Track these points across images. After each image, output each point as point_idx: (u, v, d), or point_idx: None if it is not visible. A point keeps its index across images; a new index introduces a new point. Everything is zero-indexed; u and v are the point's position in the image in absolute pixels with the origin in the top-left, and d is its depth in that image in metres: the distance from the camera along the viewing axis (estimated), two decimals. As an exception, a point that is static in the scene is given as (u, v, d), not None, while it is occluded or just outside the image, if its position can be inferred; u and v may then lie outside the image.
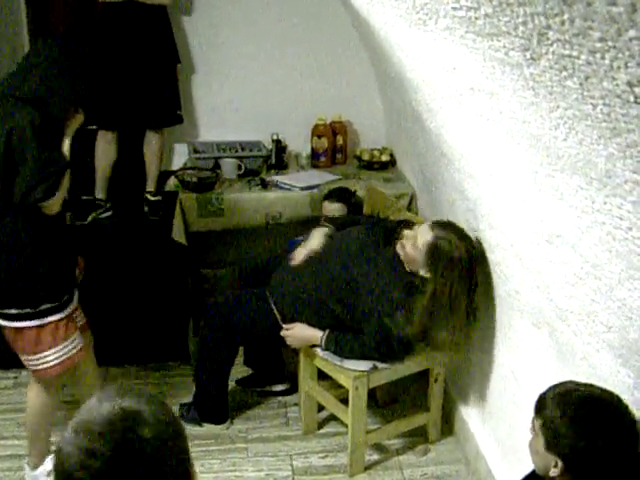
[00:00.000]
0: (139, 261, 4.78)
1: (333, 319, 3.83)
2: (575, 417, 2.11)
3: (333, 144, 5.61)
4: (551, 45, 1.60)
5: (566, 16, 1.43)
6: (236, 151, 5.51)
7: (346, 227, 4.14)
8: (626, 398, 2.22)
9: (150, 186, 5.23)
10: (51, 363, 3.50)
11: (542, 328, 2.98)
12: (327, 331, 3.82)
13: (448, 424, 4.30)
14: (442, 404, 4.17)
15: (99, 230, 4.75)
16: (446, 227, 3.64)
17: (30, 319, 3.38)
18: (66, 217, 3.62)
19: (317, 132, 5.56)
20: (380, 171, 5.49)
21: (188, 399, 4.33)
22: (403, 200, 4.97)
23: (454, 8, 2.08)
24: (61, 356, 3.50)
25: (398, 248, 3.73)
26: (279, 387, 4.60)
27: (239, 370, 4.58)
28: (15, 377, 4.80)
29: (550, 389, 2.25)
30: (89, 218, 4.78)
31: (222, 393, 4.25)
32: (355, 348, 3.74)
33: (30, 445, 3.78)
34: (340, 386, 3.94)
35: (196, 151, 5.53)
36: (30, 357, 3.50)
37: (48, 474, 3.62)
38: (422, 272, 3.59)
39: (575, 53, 1.52)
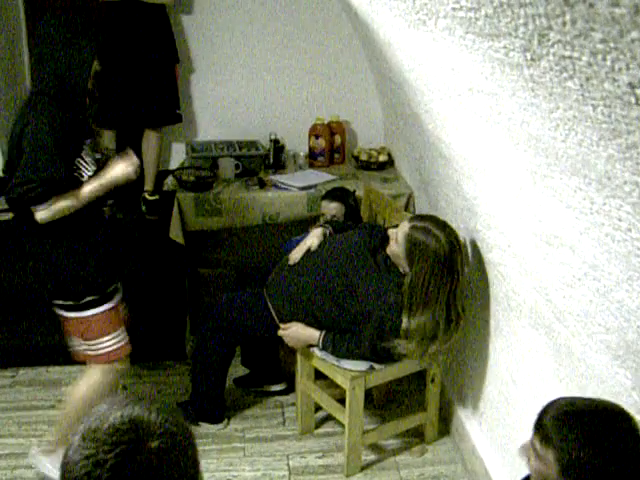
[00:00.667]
0: (136, 260, 4.77)
1: (330, 320, 3.82)
2: (589, 439, 2.01)
3: (331, 144, 5.62)
4: (552, 46, 1.60)
5: (568, 17, 1.43)
6: (234, 150, 5.50)
7: (344, 231, 4.14)
8: (624, 399, 2.22)
9: (148, 185, 5.24)
10: (101, 351, 3.57)
11: (540, 329, 2.98)
12: (324, 331, 3.82)
13: (445, 424, 4.30)
14: (439, 404, 4.16)
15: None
16: (424, 219, 3.66)
17: (75, 310, 3.48)
18: (105, 211, 3.64)
19: (315, 132, 5.56)
20: (378, 171, 5.49)
21: (185, 398, 4.33)
22: (401, 200, 4.98)
23: (454, 9, 2.07)
24: (118, 341, 3.60)
25: (387, 250, 3.74)
26: (276, 387, 4.60)
27: (236, 370, 4.58)
28: (12, 376, 4.78)
29: (546, 412, 2.13)
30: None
31: (219, 393, 4.25)
32: (352, 349, 3.74)
33: (60, 431, 3.74)
34: (337, 386, 3.94)
35: (194, 150, 5.53)
36: (87, 343, 3.59)
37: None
38: (406, 268, 3.60)
39: (576, 54, 1.52)
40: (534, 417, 2.19)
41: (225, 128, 5.78)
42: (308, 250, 4.02)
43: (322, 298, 3.82)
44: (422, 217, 3.73)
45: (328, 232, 4.14)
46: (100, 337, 3.53)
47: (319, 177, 5.30)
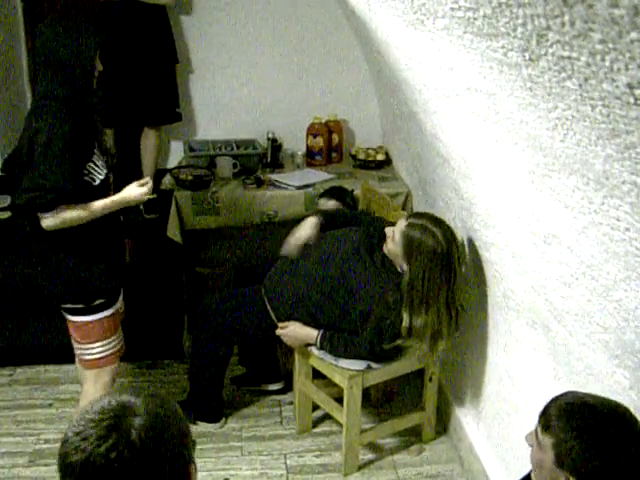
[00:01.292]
0: (134, 259, 4.77)
1: (328, 319, 3.82)
2: (589, 435, 2.05)
3: (329, 143, 5.62)
4: (550, 46, 1.60)
5: (566, 18, 1.43)
6: (232, 149, 5.51)
7: (336, 221, 4.13)
8: (621, 399, 2.21)
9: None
10: (96, 355, 3.57)
11: (537, 328, 2.98)
12: (322, 330, 3.81)
13: (442, 423, 4.30)
14: (436, 404, 4.17)
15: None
16: (421, 216, 3.67)
17: (84, 314, 3.47)
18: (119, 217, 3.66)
19: (313, 131, 5.57)
20: (375, 170, 5.49)
21: (183, 397, 4.32)
22: (398, 199, 4.98)
23: (452, 9, 2.07)
24: (107, 350, 3.59)
25: (384, 248, 3.74)
26: (274, 386, 4.59)
27: (234, 369, 4.58)
28: (10, 374, 4.78)
29: (554, 402, 2.19)
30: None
31: (217, 392, 4.25)
32: (349, 348, 3.74)
33: None
34: (335, 385, 3.93)
35: (192, 149, 5.53)
36: (77, 346, 3.59)
37: None
38: (404, 266, 3.60)
39: (575, 54, 1.52)
40: (532, 416, 2.21)
41: (223, 127, 5.79)
42: (306, 245, 4.01)
43: (320, 297, 3.81)
44: (418, 215, 3.74)
45: (319, 221, 4.10)
46: (92, 342, 3.53)
47: (317, 176, 5.30)
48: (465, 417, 4.04)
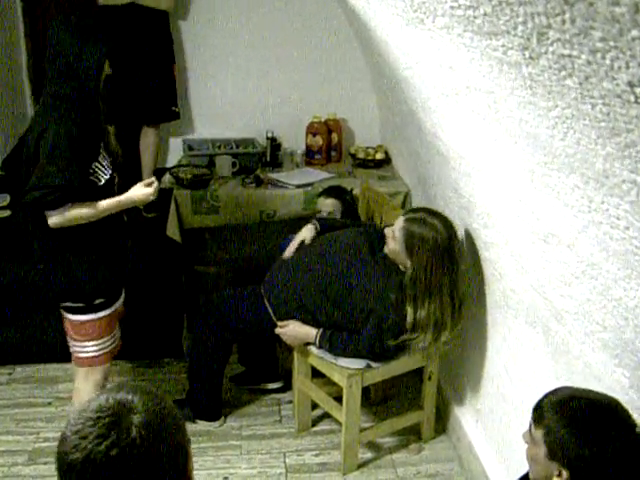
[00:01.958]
0: (134, 258, 4.77)
1: (327, 318, 3.82)
2: (579, 425, 2.08)
3: (328, 142, 5.63)
4: (551, 45, 1.60)
5: (567, 16, 1.43)
6: (231, 148, 5.51)
7: (335, 227, 4.14)
8: (621, 398, 2.21)
9: (145, 183, 5.23)
10: (90, 354, 3.58)
11: (537, 327, 2.98)
12: (321, 329, 3.81)
13: (442, 422, 4.30)
14: (436, 402, 4.16)
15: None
16: (418, 210, 3.72)
17: (83, 313, 3.48)
18: (123, 217, 3.68)
19: (312, 130, 5.57)
20: (375, 169, 5.50)
21: (182, 396, 4.32)
22: (397, 198, 4.98)
23: (452, 7, 2.07)
24: (101, 349, 3.59)
25: (385, 249, 3.74)
26: (273, 385, 4.59)
27: (233, 367, 4.58)
28: (9, 373, 4.78)
29: (547, 396, 2.22)
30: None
31: (216, 390, 4.25)
32: (349, 347, 3.74)
33: None
34: (334, 384, 3.93)
35: (191, 148, 5.55)
36: (72, 343, 3.60)
37: None
38: (407, 262, 3.60)
39: (575, 53, 1.52)
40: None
41: (222, 126, 5.79)
42: (302, 245, 4.02)
43: (319, 296, 3.81)
44: (415, 210, 3.78)
45: (318, 227, 4.14)
46: (87, 341, 3.54)
47: (316, 175, 5.31)
48: (464, 416, 4.04)
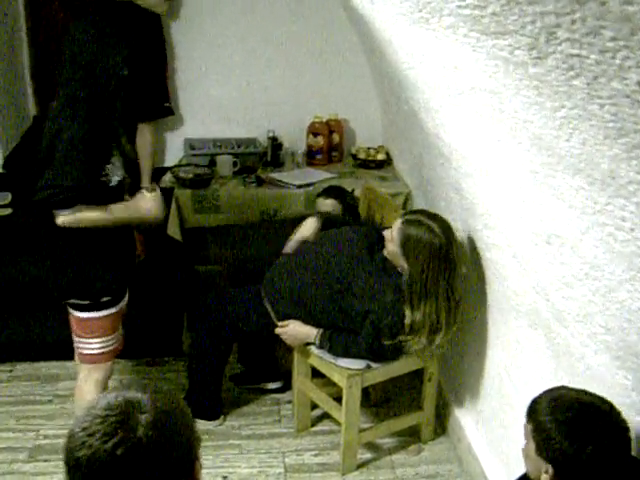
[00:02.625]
0: (147, 256, 4.79)
1: (327, 319, 3.81)
2: (565, 422, 2.11)
3: (329, 142, 5.62)
4: (559, 44, 1.60)
5: (578, 15, 1.42)
6: (232, 148, 5.51)
7: (336, 225, 4.14)
8: (623, 400, 2.22)
9: (145, 182, 5.24)
10: (95, 351, 3.57)
11: (538, 329, 2.97)
12: (322, 329, 3.81)
13: (441, 424, 4.30)
14: (435, 404, 4.16)
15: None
16: (416, 212, 3.72)
17: (89, 310, 3.47)
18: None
19: (313, 130, 5.57)
20: (376, 170, 5.50)
21: (181, 395, 4.31)
22: (398, 199, 4.97)
23: (459, 6, 2.07)
24: (105, 347, 3.59)
25: (384, 251, 3.74)
26: (273, 385, 4.59)
27: (233, 367, 4.58)
28: (10, 370, 4.78)
29: (542, 394, 2.25)
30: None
31: (215, 389, 4.25)
32: (349, 347, 3.74)
33: None
34: (334, 384, 3.92)
35: (192, 147, 5.55)
36: (76, 339, 3.59)
37: None
38: (404, 264, 3.60)
39: (584, 52, 1.52)
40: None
41: (223, 125, 5.78)
42: (304, 242, 4.02)
43: (319, 297, 3.81)
44: (413, 212, 3.80)
45: (319, 222, 4.13)
46: (92, 338, 3.54)
47: (317, 175, 5.31)
48: (464, 418, 4.04)
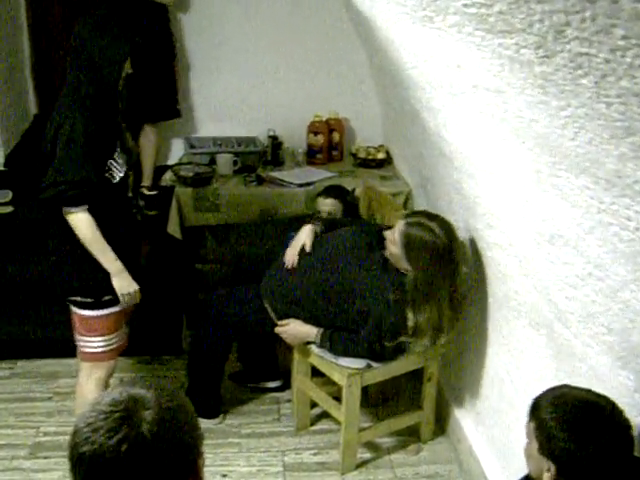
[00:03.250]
0: (150, 261, 4.79)
1: (327, 318, 3.81)
2: (568, 421, 2.11)
3: (329, 141, 5.62)
4: (568, 43, 1.59)
5: (588, 13, 1.42)
6: (232, 147, 5.51)
7: (336, 226, 4.14)
8: (626, 401, 2.22)
9: (146, 181, 5.25)
10: (97, 349, 3.57)
11: (540, 329, 2.97)
12: (322, 328, 3.81)
13: (441, 424, 4.29)
14: (435, 403, 4.16)
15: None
16: (417, 214, 3.72)
17: (91, 308, 3.47)
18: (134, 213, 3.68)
19: (313, 129, 5.57)
20: (376, 169, 5.50)
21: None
22: (399, 198, 4.97)
23: (465, 5, 2.06)
24: (107, 345, 3.58)
25: (385, 252, 3.73)
26: (272, 383, 4.59)
27: (232, 365, 4.57)
28: (11, 367, 4.79)
29: (545, 393, 2.24)
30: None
31: (215, 388, 4.25)
32: (349, 346, 3.74)
33: None
34: (334, 383, 3.92)
35: (192, 146, 5.55)
36: (78, 337, 3.59)
37: None
38: (407, 266, 3.59)
39: (594, 51, 1.51)
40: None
41: (223, 124, 5.79)
42: (303, 249, 4.01)
43: (319, 296, 3.81)
44: (415, 213, 3.79)
45: (319, 229, 4.12)
46: (94, 336, 3.54)
47: (317, 174, 5.31)
48: (464, 418, 4.03)
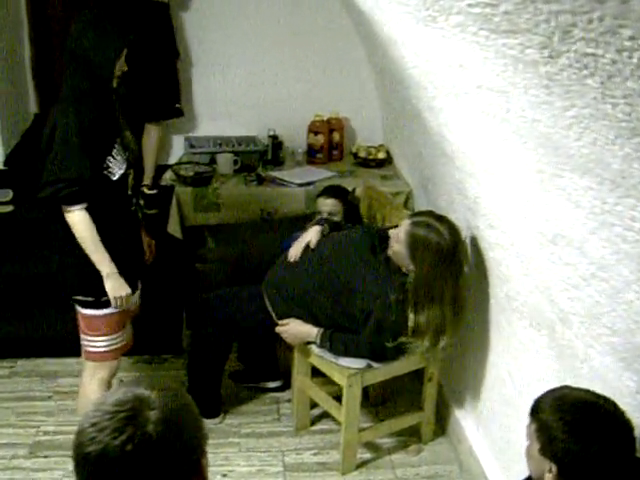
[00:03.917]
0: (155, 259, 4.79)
1: (328, 318, 3.81)
2: (569, 421, 2.11)
3: (329, 141, 5.62)
4: (574, 43, 1.59)
5: (596, 14, 1.41)
6: (232, 146, 5.50)
7: (340, 230, 4.14)
8: (628, 402, 2.21)
9: (146, 180, 5.24)
10: (100, 349, 3.58)
11: (541, 330, 2.96)
12: (322, 328, 3.80)
13: (441, 424, 4.29)
14: (436, 404, 4.16)
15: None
16: (423, 214, 3.70)
17: (93, 307, 3.48)
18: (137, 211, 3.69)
19: (313, 128, 5.57)
20: (376, 168, 5.49)
21: (181, 393, 4.31)
22: (399, 198, 4.97)
23: (470, 5, 2.06)
24: (110, 345, 3.59)
25: (389, 251, 3.73)
26: (272, 383, 4.59)
27: (232, 365, 4.57)
28: (11, 366, 4.79)
29: (546, 394, 2.25)
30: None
31: (215, 388, 4.25)
32: (349, 346, 3.73)
33: None
34: (334, 383, 3.92)
35: (192, 146, 5.55)
36: (83, 337, 3.60)
37: None
38: (410, 266, 3.59)
39: (600, 52, 1.51)
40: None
41: (224, 124, 5.78)
42: (307, 247, 4.01)
43: (320, 296, 3.81)
44: (421, 213, 3.77)
45: (326, 231, 4.13)
46: (97, 336, 3.55)
47: (317, 174, 5.31)
48: (465, 418, 4.03)
